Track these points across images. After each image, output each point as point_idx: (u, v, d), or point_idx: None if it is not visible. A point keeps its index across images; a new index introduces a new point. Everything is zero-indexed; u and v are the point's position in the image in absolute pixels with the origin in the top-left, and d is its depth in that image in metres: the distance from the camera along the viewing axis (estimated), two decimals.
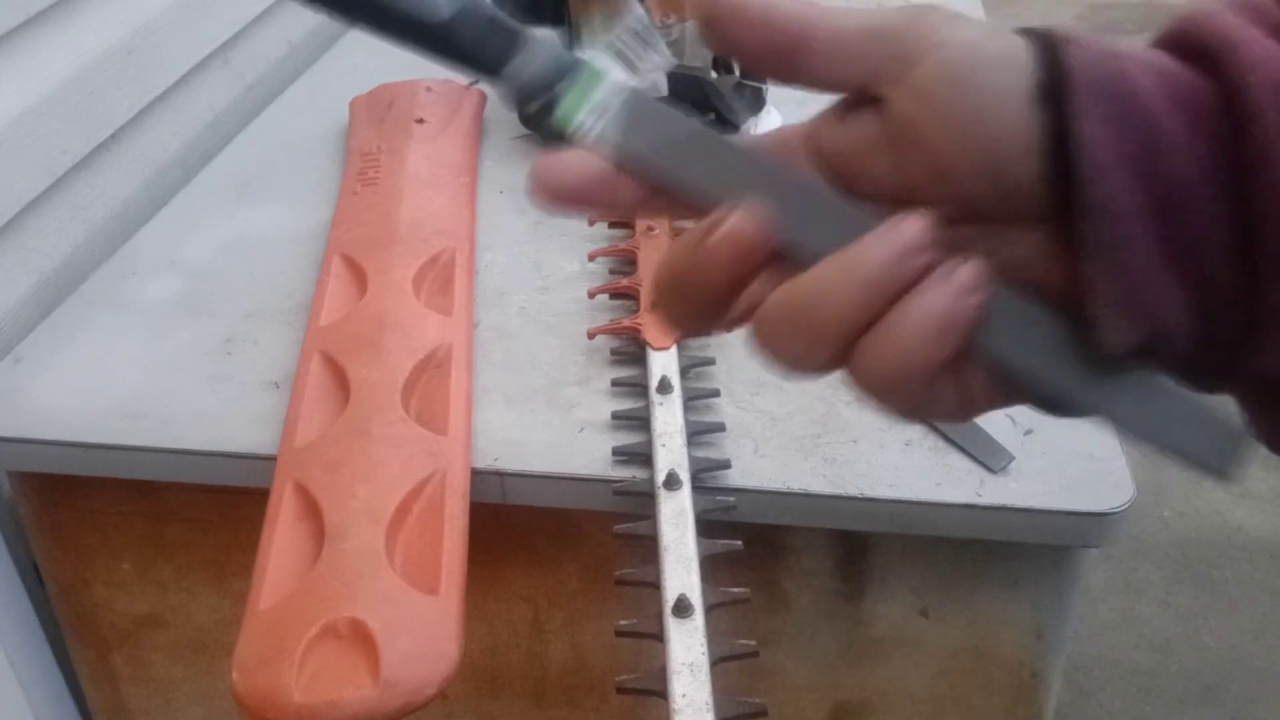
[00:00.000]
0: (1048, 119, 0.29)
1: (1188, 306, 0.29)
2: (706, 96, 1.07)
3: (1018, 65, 0.29)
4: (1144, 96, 0.28)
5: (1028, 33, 0.30)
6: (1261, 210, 0.28)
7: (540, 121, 0.33)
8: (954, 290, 0.28)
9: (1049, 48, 0.29)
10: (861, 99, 0.31)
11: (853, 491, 0.74)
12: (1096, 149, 0.28)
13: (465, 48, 0.33)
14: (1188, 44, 0.29)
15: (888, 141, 0.30)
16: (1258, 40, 0.28)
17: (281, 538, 0.71)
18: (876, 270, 0.28)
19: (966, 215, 0.30)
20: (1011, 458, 0.75)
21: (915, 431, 0.78)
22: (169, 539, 0.86)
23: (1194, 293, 0.29)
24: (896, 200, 0.30)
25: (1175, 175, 0.28)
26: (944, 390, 0.30)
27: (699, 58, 1.08)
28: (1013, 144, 0.29)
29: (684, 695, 0.60)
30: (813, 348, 0.29)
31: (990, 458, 0.75)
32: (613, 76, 0.33)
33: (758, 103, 1.11)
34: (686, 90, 1.06)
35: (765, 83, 1.11)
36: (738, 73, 1.14)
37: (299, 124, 1.22)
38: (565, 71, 0.33)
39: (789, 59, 0.31)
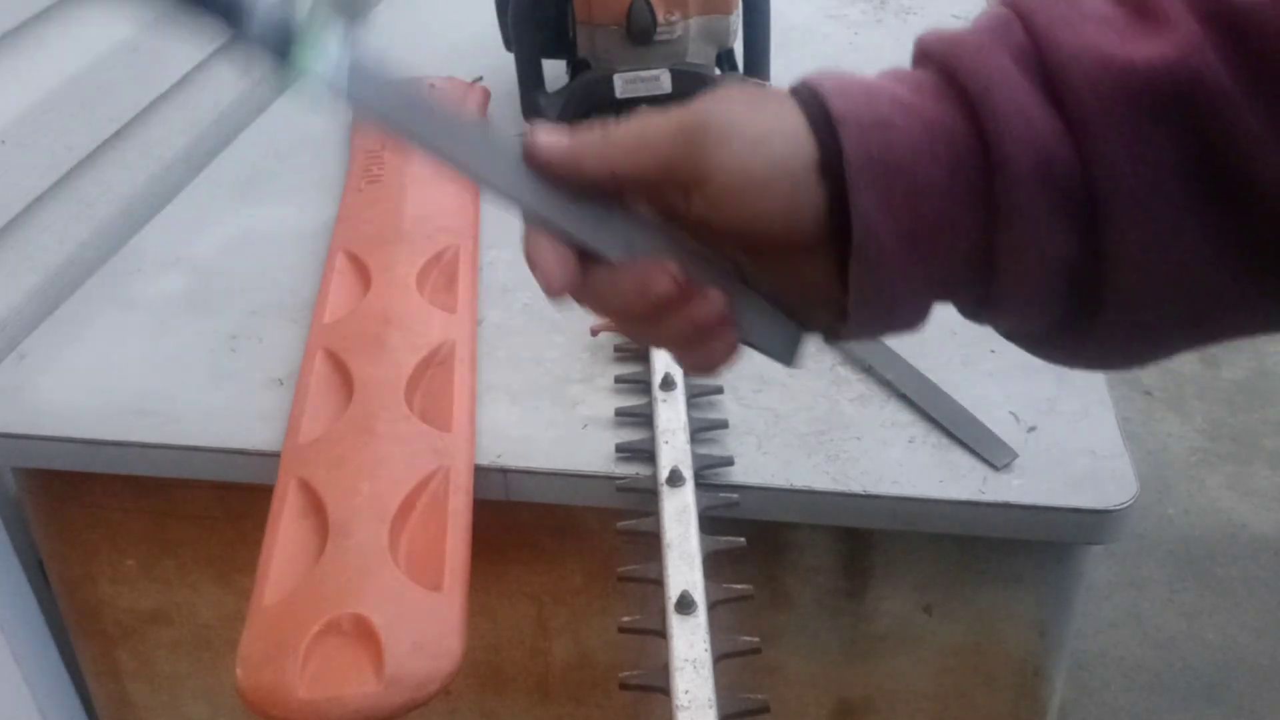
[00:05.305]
0: (828, 188, 0.36)
1: (926, 305, 0.38)
2: None
3: (799, 151, 0.36)
4: (909, 157, 0.35)
5: (805, 102, 0.37)
6: (1004, 238, 0.35)
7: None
8: (724, 354, 0.40)
9: (825, 126, 0.36)
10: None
11: (856, 488, 0.74)
12: (867, 213, 0.35)
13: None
14: (951, 82, 0.36)
15: (695, 220, 0.38)
16: (1009, 89, 0.35)
17: (285, 534, 0.72)
18: (640, 304, 0.38)
19: (769, 248, 0.38)
20: (1015, 455, 0.75)
21: (919, 428, 0.78)
22: (173, 535, 0.87)
23: (935, 294, 0.38)
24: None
25: (932, 213, 0.35)
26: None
27: (702, 55, 1.08)
28: (788, 222, 0.36)
29: (687, 692, 0.60)
30: (603, 317, 0.40)
31: (994, 455, 0.75)
32: (333, 42, 0.37)
33: None
34: (690, 87, 1.06)
35: (769, 80, 1.11)
36: (741, 69, 1.13)
37: (304, 121, 1.22)
38: (293, 33, 0.37)
39: (605, 188, 0.38)
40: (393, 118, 0.38)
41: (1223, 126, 0.33)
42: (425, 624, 0.66)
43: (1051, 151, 0.34)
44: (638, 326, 0.41)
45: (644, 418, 0.78)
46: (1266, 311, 0.37)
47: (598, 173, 0.38)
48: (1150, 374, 2.22)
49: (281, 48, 0.37)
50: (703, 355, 0.40)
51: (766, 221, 0.36)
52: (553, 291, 0.38)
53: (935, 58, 0.37)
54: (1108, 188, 0.34)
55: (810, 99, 0.37)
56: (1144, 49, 0.34)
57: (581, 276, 0.39)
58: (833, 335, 0.41)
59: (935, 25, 0.39)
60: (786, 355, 0.42)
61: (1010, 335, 0.41)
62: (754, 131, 0.36)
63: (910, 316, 0.38)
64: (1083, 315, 0.37)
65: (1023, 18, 0.36)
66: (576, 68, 1.12)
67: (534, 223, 0.38)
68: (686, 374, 0.67)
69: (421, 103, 0.38)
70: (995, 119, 0.34)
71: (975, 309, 0.39)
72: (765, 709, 0.60)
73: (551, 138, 0.38)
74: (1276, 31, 0.32)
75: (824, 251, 0.37)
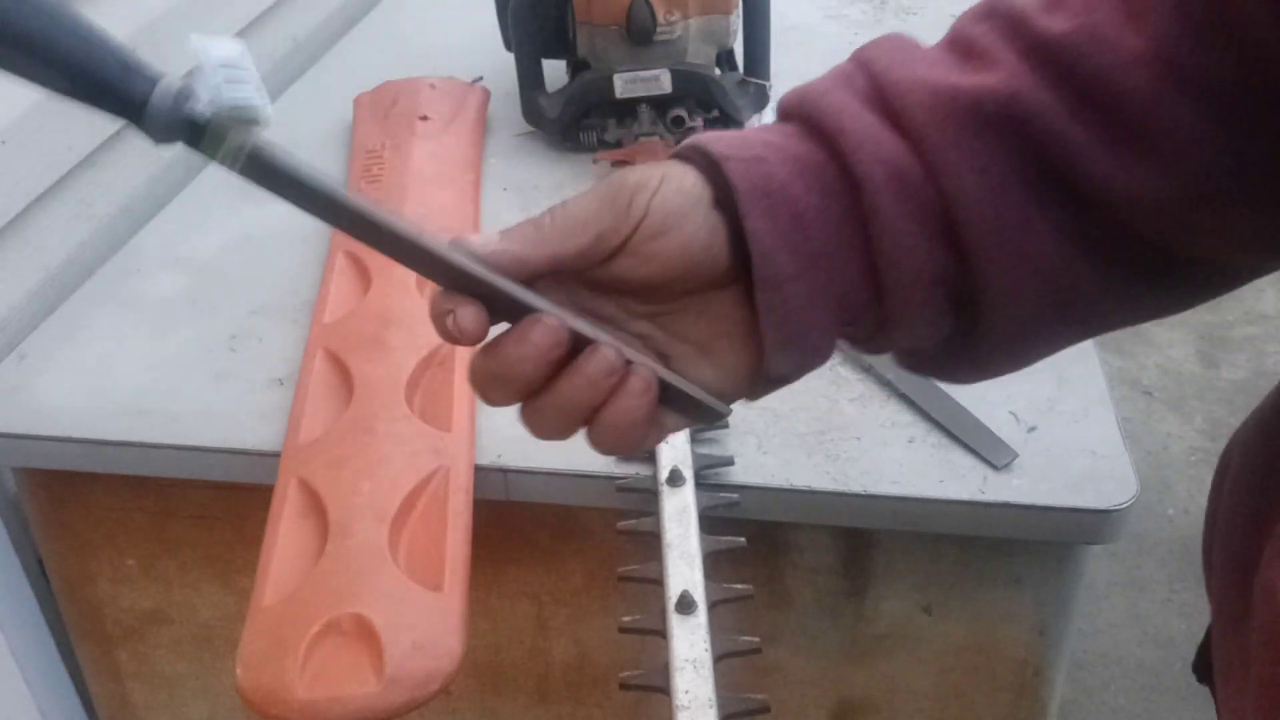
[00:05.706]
0: (724, 219, 0.40)
1: (831, 328, 0.41)
2: (710, 93, 1.07)
3: (695, 193, 0.40)
4: (786, 186, 0.40)
5: (694, 157, 0.41)
6: (877, 247, 0.40)
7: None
8: (637, 398, 0.40)
9: (713, 166, 0.40)
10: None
11: (856, 488, 0.74)
12: (761, 237, 0.39)
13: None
14: (809, 125, 0.41)
15: (618, 281, 0.41)
16: (858, 121, 0.40)
17: (286, 534, 0.72)
18: (526, 365, 0.39)
19: (683, 294, 0.41)
20: (1015, 455, 0.75)
21: (919, 428, 0.78)
22: (173, 535, 0.87)
23: (836, 316, 0.41)
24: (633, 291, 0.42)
25: (817, 236, 0.40)
26: (647, 435, 0.42)
27: (702, 55, 1.08)
28: (707, 252, 0.40)
29: (687, 691, 0.60)
30: (505, 397, 0.40)
31: (994, 454, 0.75)
32: (233, 133, 0.37)
33: (761, 99, 1.11)
34: (690, 87, 1.06)
35: (769, 80, 1.11)
36: (741, 69, 1.13)
37: (303, 121, 1.22)
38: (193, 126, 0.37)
39: (544, 274, 0.41)
40: (303, 199, 0.39)
41: (1048, 137, 0.38)
42: (425, 624, 0.66)
43: (900, 166, 0.39)
44: (537, 396, 0.41)
45: None
46: (1134, 299, 0.42)
47: (540, 262, 0.40)
48: (1150, 374, 2.22)
49: (184, 138, 0.37)
50: (611, 422, 0.40)
51: (689, 255, 0.40)
52: (469, 340, 0.40)
53: (793, 109, 0.42)
54: (955, 194, 0.39)
55: (691, 152, 0.41)
56: (970, 79, 0.39)
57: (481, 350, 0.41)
58: (757, 389, 0.44)
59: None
60: (708, 418, 0.44)
61: (911, 361, 0.45)
62: (661, 177, 0.40)
63: (821, 343, 0.42)
64: (966, 323, 0.42)
65: (864, 66, 0.42)
66: (576, 68, 1.12)
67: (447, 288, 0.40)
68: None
69: (328, 188, 0.39)
70: (849, 146, 0.40)
71: (875, 333, 0.42)
72: (765, 709, 0.60)
73: (490, 242, 0.40)
74: (1082, 55, 0.38)
75: (736, 287, 0.41)
